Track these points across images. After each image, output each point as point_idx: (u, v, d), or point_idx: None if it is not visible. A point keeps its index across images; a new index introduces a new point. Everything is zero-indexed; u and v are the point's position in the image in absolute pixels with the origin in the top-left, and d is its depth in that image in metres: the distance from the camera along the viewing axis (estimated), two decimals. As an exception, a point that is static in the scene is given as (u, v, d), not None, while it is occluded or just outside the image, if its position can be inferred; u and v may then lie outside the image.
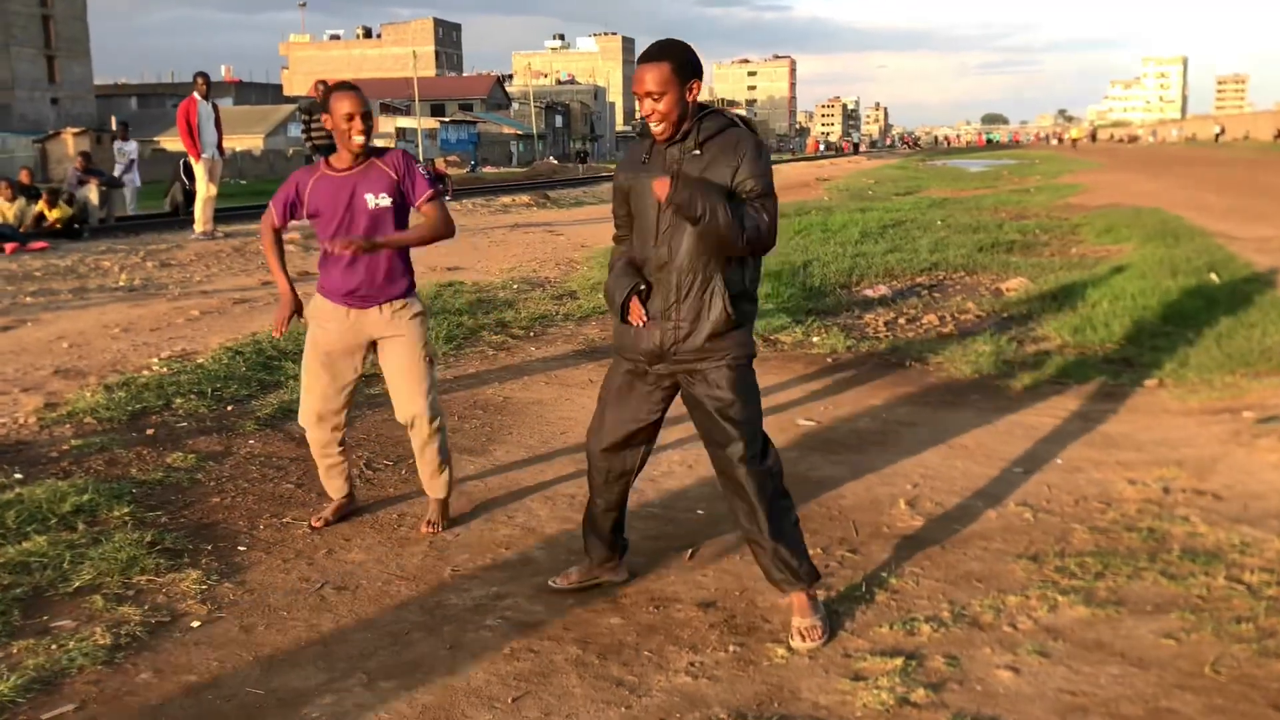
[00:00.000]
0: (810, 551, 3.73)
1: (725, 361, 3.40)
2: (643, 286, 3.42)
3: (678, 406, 3.62)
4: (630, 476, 3.71)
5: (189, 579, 3.91)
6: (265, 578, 3.98)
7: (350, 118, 4.12)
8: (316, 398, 4.38)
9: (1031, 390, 6.62)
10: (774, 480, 3.47)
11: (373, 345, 4.35)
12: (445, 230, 4.28)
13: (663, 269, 3.39)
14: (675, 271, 3.36)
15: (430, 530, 4.41)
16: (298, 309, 4.37)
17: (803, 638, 3.41)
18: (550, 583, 3.87)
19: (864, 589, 3.80)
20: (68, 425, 5.72)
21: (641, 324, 3.43)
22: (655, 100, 3.29)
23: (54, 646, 3.38)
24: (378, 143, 4.42)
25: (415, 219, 4.27)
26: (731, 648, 3.40)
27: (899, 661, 3.25)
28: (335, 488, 4.60)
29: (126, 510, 4.51)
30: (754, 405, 3.47)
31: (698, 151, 3.33)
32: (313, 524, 4.49)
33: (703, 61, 3.38)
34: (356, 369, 4.38)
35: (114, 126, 27.36)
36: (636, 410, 3.57)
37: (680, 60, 3.29)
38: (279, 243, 4.41)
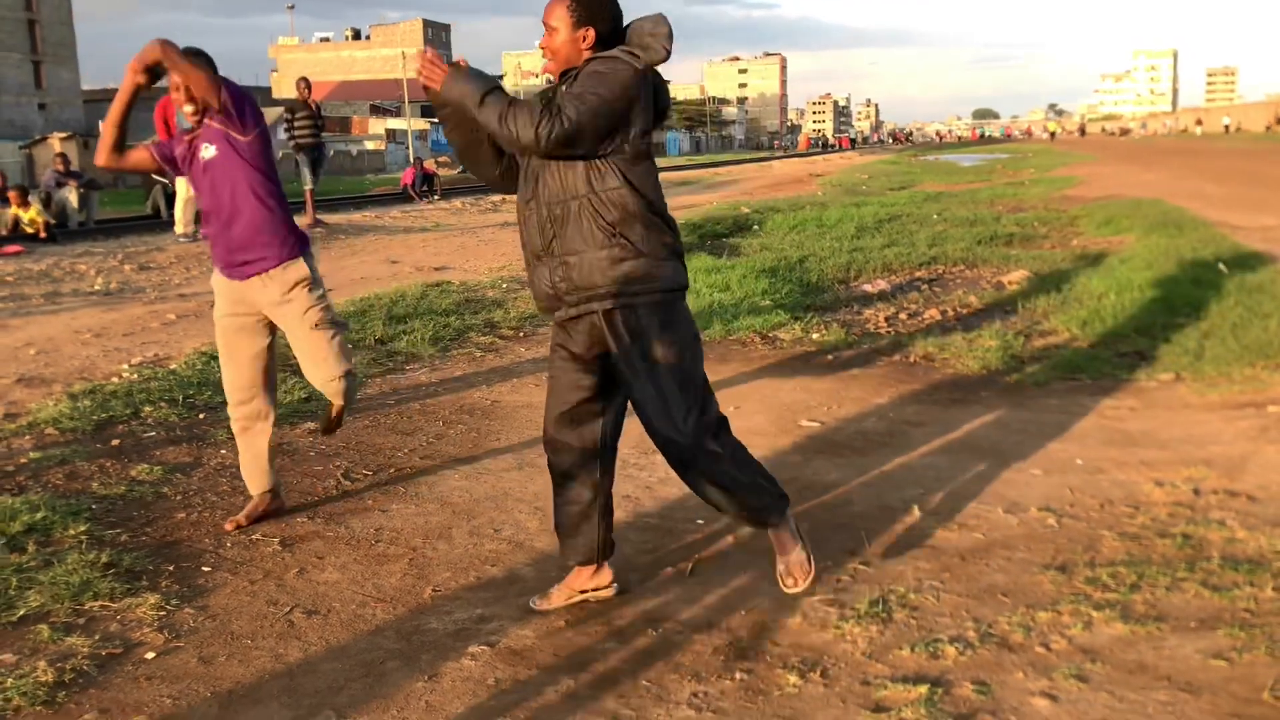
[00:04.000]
0: (819, 564, 3.44)
1: (636, 300, 3.12)
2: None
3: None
4: (594, 463, 3.36)
5: (146, 604, 3.59)
6: (229, 601, 3.67)
7: (177, 88, 3.91)
8: (228, 376, 4.18)
9: (1043, 386, 6.32)
10: (729, 454, 3.24)
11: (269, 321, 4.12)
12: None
13: (529, 204, 3.21)
14: (545, 205, 3.15)
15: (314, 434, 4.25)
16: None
17: (794, 580, 3.32)
18: (530, 603, 3.55)
19: (880, 606, 3.48)
20: (27, 437, 5.40)
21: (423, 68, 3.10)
22: (549, 34, 3.17)
23: (-9, 685, 3.06)
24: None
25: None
26: (738, 675, 3.09)
27: (924, 689, 2.94)
28: (253, 483, 4.30)
29: (83, 529, 4.19)
30: (681, 354, 3.17)
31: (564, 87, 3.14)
32: (225, 526, 4.21)
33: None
34: (257, 344, 4.11)
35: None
36: (577, 377, 3.28)
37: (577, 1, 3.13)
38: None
